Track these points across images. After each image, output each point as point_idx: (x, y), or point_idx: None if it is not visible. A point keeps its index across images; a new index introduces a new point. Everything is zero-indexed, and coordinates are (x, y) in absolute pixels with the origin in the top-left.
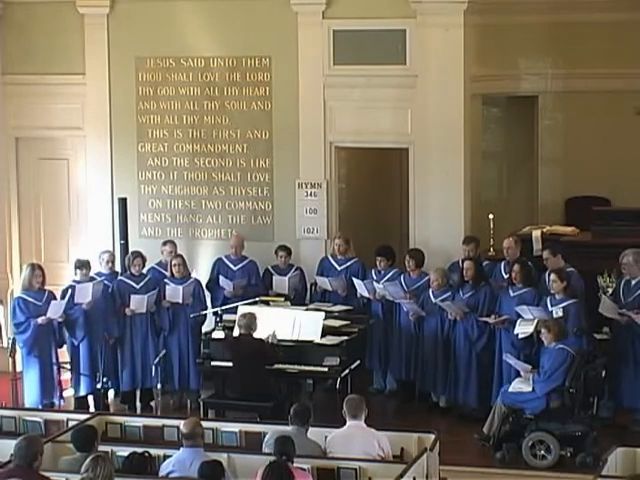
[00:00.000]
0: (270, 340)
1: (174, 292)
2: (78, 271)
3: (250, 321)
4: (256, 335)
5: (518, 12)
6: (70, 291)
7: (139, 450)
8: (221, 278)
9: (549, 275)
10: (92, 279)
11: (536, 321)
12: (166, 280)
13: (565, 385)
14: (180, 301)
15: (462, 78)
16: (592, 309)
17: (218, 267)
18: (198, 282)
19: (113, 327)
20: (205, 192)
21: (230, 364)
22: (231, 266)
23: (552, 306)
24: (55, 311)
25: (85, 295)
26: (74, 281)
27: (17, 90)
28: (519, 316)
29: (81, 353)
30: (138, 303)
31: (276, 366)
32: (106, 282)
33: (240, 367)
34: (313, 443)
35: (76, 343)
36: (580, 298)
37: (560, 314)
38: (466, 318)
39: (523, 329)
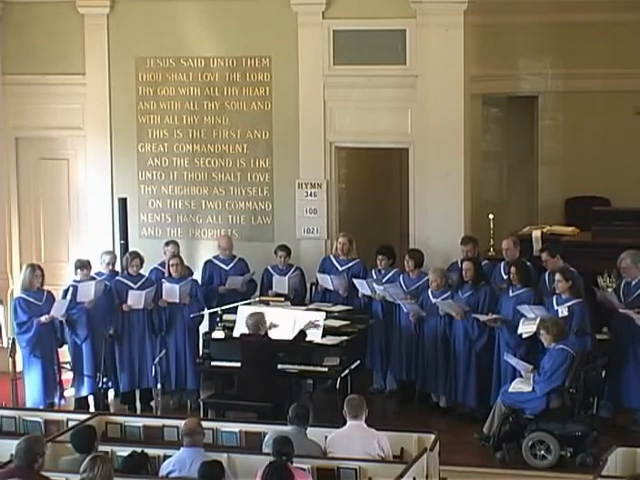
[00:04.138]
0: (306, 327)
1: (171, 291)
2: (79, 271)
3: (258, 321)
4: (280, 333)
5: (518, 12)
6: (72, 290)
7: (138, 450)
8: (229, 278)
9: (552, 275)
10: (92, 279)
11: (538, 320)
12: (163, 279)
13: (565, 385)
14: (177, 300)
15: (462, 78)
16: (592, 309)
17: (210, 269)
18: (195, 282)
19: (112, 324)
20: (205, 192)
21: (230, 364)
22: (223, 266)
23: (558, 305)
24: (58, 310)
25: (87, 294)
26: (75, 281)
27: (17, 90)
28: (521, 315)
29: (84, 353)
30: (136, 299)
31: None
32: (106, 283)
33: (249, 367)
34: (313, 443)
35: (79, 343)
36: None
37: (565, 313)
38: (466, 317)
39: (526, 328)
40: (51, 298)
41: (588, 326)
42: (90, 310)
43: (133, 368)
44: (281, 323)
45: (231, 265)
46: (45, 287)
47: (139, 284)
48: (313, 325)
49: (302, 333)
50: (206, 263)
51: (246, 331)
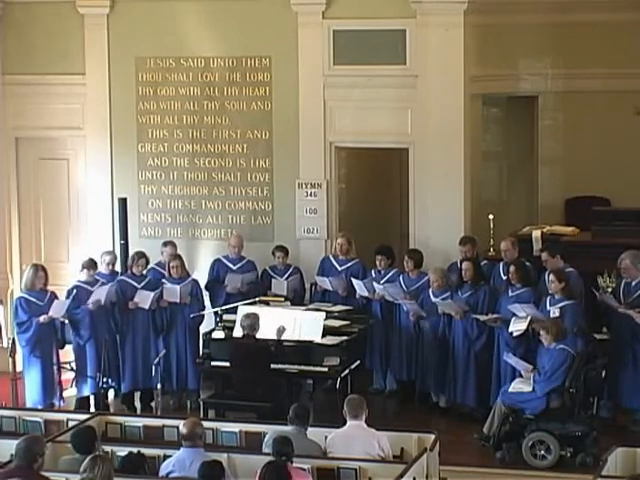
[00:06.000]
0: (277, 335)
1: (171, 291)
2: (85, 271)
3: (253, 322)
4: (262, 333)
5: (518, 12)
6: (75, 291)
7: (135, 450)
8: (228, 275)
9: (548, 275)
10: (95, 280)
11: (529, 318)
12: (164, 280)
13: (565, 385)
14: (178, 300)
15: (462, 78)
16: (592, 309)
17: (217, 267)
18: (196, 282)
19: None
20: (205, 192)
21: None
22: (230, 266)
23: (550, 306)
24: (57, 310)
25: (99, 296)
26: (79, 281)
27: (17, 90)
28: (513, 315)
29: (87, 353)
30: (143, 298)
31: (276, 366)
32: (117, 288)
33: (243, 368)
34: (313, 443)
35: (82, 343)
36: (579, 298)
37: (557, 314)
38: (466, 317)
39: (517, 327)
40: (54, 298)
41: (584, 327)
42: (94, 311)
43: (137, 369)
44: (281, 324)
45: (238, 265)
46: (48, 287)
47: (143, 284)
48: (283, 330)
49: (279, 342)
50: (214, 262)
51: (241, 333)
